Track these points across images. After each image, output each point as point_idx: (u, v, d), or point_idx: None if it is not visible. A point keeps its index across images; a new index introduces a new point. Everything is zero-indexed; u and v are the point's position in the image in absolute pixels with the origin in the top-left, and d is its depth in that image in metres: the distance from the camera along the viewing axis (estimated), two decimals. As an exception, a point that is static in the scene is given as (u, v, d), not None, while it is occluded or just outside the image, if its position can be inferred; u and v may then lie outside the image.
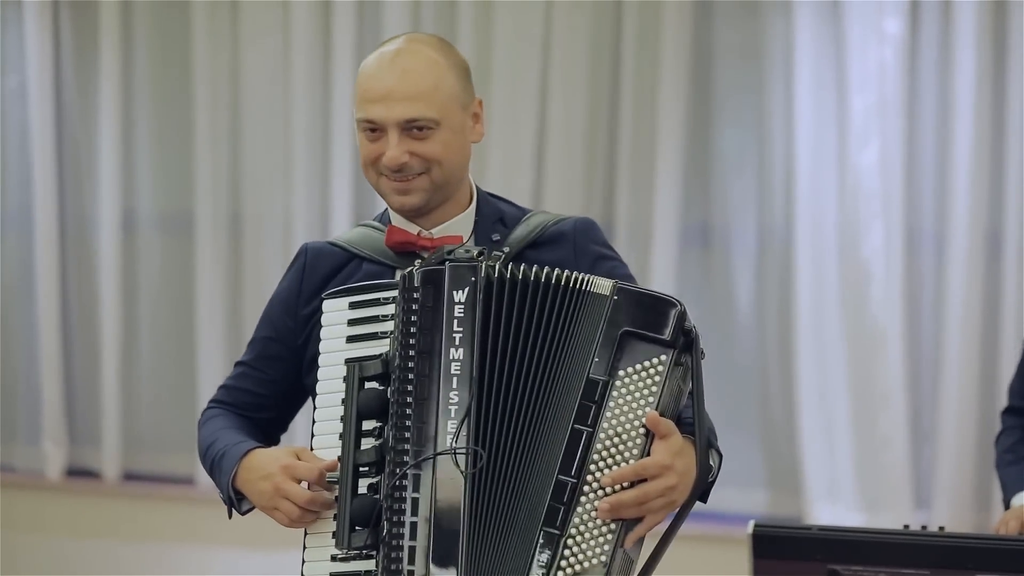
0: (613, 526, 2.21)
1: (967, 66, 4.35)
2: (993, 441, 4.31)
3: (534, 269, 2.29)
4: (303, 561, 2.32)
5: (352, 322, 2.34)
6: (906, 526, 2.77)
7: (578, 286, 2.28)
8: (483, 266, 2.27)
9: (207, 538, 5.03)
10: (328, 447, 2.31)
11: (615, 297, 2.27)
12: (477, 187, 2.55)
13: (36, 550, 5.16)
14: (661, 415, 2.22)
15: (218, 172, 4.98)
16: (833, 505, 4.48)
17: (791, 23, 4.48)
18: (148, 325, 5.14)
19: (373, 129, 2.42)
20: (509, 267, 2.29)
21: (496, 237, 2.49)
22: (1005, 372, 4.34)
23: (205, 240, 4.98)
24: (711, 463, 2.30)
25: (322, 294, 2.43)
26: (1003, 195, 4.37)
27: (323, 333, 2.36)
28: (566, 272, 2.29)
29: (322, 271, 2.51)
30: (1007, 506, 3.08)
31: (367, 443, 2.25)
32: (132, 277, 5.13)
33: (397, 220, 2.50)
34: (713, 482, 2.32)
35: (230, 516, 2.46)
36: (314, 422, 2.35)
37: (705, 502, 2.34)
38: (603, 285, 2.28)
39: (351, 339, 2.33)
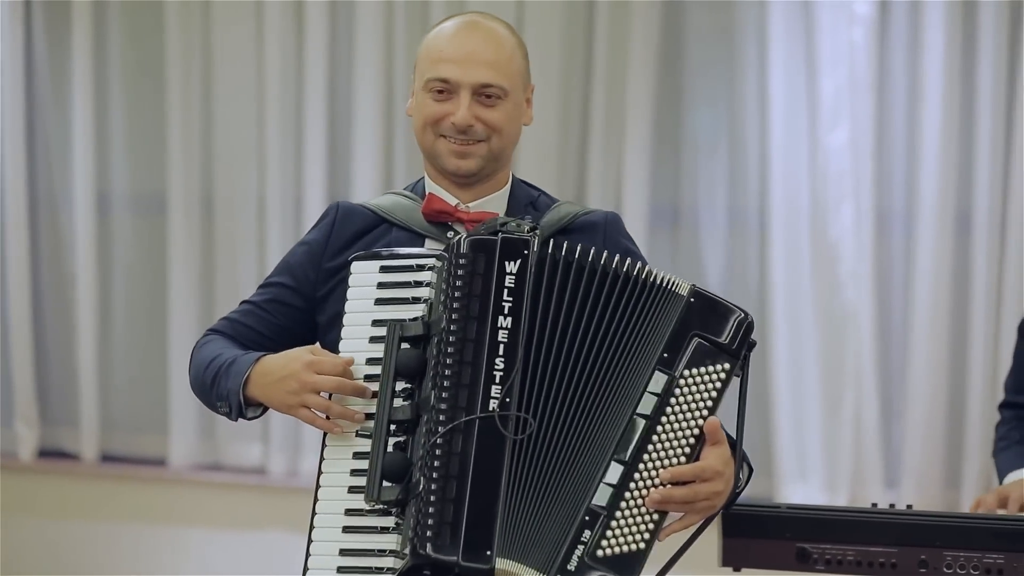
0: (656, 516, 2.27)
1: (936, 47, 4.36)
2: (963, 421, 4.39)
3: (604, 255, 2.34)
4: (316, 499, 2.33)
5: (381, 285, 2.37)
6: (874, 504, 2.79)
7: (657, 281, 2.34)
8: (535, 241, 2.31)
9: (181, 519, 5.03)
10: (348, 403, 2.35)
11: (691, 300, 2.34)
12: (512, 173, 2.62)
13: (9, 531, 5.15)
14: None
15: (191, 154, 4.96)
16: (804, 484, 4.51)
17: (762, 2, 4.49)
18: (122, 306, 5.13)
19: (442, 90, 2.48)
20: (564, 247, 2.33)
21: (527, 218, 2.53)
22: (974, 352, 4.37)
23: (178, 222, 4.97)
24: (741, 475, 2.38)
25: (348, 252, 2.48)
26: (972, 175, 4.39)
27: (350, 294, 2.39)
28: (647, 266, 2.35)
29: (351, 229, 2.55)
30: None
31: (398, 402, 2.28)
32: (105, 258, 5.11)
33: (435, 190, 2.55)
34: (740, 492, 2.40)
35: (235, 420, 2.48)
36: None
37: (729, 510, 2.44)
38: (683, 286, 2.34)
39: (379, 301, 2.36)
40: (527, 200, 2.59)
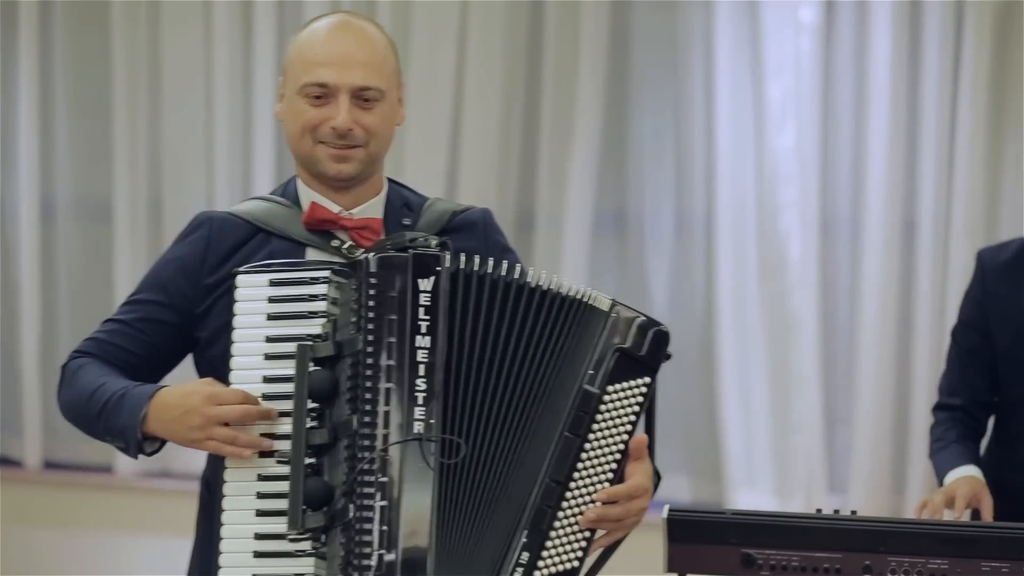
0: (587, 533, 2.28)
1: (882, 54, 4.38)
2: (908, 427, 4.41)
3: (517, 268, 2.31)
4: (220, 538, 2.29)
5: (273, 300, 2.31)
6: (819, 510, 2.80)
7: (576, 296, 2.32)
8: (446, 257, 2.27)
9: (128, 526, 5.00)
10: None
11: (612, 314, 2.32)
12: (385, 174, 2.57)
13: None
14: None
15: (137, 158, 4.93)
16: (753, 490, 4.51)
17: (709, 9, 4.50)
18: (66, 313, 5.08)
19: (319, 95, 2.43)
20: (475, 261, 2.29)
21: (406, 221, 2.50)
22: (919, 357, 4.40)
23: (124, 227, 4.93)
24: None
25: (228, 266, 2.42)
26: (918, 182, 4.41)
27: (239, 309, 2.32)
28: (564, 281, 2.32)
29: (228, 242, 2.48)
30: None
31: (311, 424, 2.24)
32: (50, 265, 5.07)
33: (310, 196, 2.50)
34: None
35: (135, 457, 2.41)
36: None
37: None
38: (602, 300, 2.32)
39: (272, 317, 2.30)
40: (401, 202, 2.54)
